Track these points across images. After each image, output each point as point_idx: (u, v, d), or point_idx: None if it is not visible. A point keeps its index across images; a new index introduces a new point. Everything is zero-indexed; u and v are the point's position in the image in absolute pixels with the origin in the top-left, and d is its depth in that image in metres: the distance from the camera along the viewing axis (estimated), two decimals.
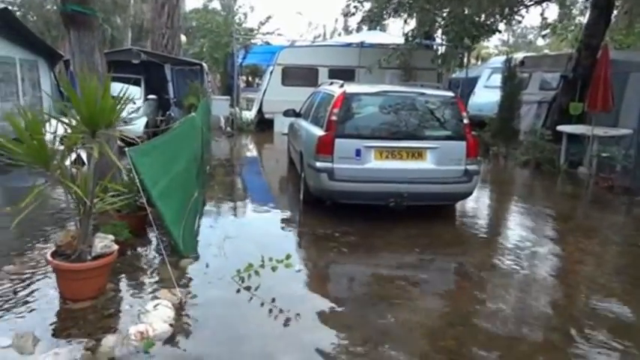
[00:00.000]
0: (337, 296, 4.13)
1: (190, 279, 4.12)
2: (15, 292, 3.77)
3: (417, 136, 5.88)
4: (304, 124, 7.09)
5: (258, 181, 9.18)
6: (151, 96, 11.97)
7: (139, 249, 4.73)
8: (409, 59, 14.37)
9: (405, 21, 15.71)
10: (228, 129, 13.94)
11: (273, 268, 4.00)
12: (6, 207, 6.25)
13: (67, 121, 3.75)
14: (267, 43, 17.95)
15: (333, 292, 4.32)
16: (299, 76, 14.26)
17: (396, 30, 34.29)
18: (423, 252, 5.10)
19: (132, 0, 29.37)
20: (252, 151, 12.52)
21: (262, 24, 18.95)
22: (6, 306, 3.55)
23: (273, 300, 3.73)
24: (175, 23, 14.93)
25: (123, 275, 4.13)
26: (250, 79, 26.89)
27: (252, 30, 18.66)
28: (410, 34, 13.75)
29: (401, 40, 14.43)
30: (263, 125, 14.56)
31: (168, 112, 12.49)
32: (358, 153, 5.68)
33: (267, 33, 18.44)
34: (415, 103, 6.06)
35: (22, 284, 3.91)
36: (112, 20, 26.93)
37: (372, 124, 5.98)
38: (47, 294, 3.75)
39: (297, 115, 7.96)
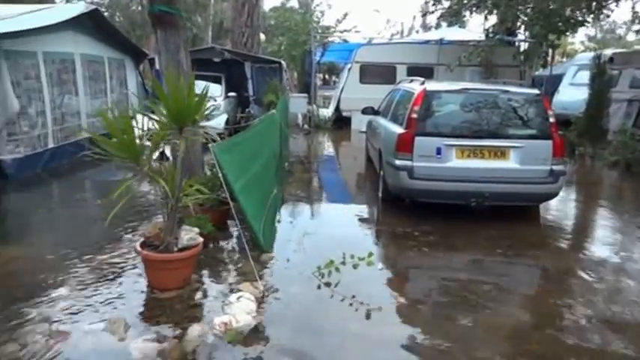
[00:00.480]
0: (418, 295, 4.07)
1: (271, 273, 4.16)
2: (107, 280, 3.99)
3: (500, 135, 5.67)
4: (383, 122, 7.00)
5: (336, 179, 9.18)
6: (231, 93, 12.34)
7: (221, 242, 4.85)
8: (490, 56, 13.80)
9: (486, 17, 15.09)
10: (306, 126, 14.09)
11: (355, 266, 3.96)
12: (97, 199, 6.83)
13: (156, 117, 3.90)
14: (345, 41, 17.94)
15: (414, 290, 4.24)
16: (377, 73, 14.15)
17: (476, 26, 33.07)
18: (506, 253, 4.89)
19: None
20: (329, 149, 12.54)
21: (339, 22, 18.96)
22: (99, 292, 3.77)
23: (354, 297, 3.68)
24: (255, 22, 15.27)
25: (206, 267, 4.24)
26: (327, 76, 27.04)
27: (329, 28, 18.72)
28: (491, 30, 13.20)
29: (481, 37, 13.89)
30: (340, 123, 14.58)
31: (247, 110, 12.83)
32: (439, 151, 5.52)
33: (345, 30, 18.43)
34: (498, 100, 5.87)
35: (113, 273, 4.13)
36: (194, 19, 28.15)
37: (453, 122, 5.82)
38: (136, 283, 3.94)
39: (376, 112, 7.89)
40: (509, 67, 14.12)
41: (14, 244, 5.02)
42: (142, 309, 3.56)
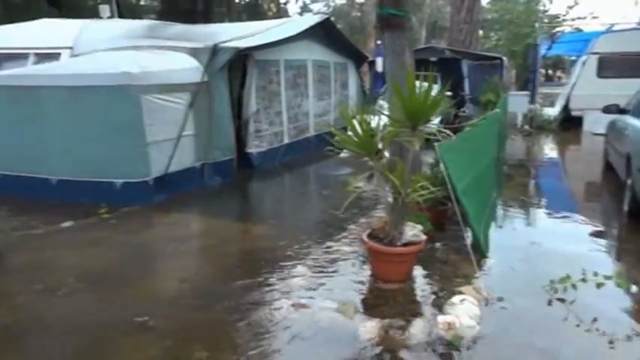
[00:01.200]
0: None
1: (495, 280, 3.98)
2: (336, 264, 4.35)
3: None
4: (634, 122, 6.01)
5: (561, 186, 8.28)
6: (446, 93, 12.17)
7: (439, 242, 4.83)
8: None
9: None
10: (526, 127, 13.05)
11: (599, 285, 3.50)
12: (322, 190, 7.54)
13: (386, 116, 4.08)
14: (578, 30, 16.05)
15: None
16: (620, 66, 12.21)
17: None
18: None
19: None
20: (553, 152, 11.39)
21: (570, 8, 17.04)
22: (330, 274, 4.14)
23: (595, 320, 3.28)
24: (474, 17, 14.77)
25: (426, 265, 4.28)
26: (550, 72, 24.57)
27: (557, 17, 16.99)
28: None
29: None
30: (568, 124, 13.08)
31: (462, 109, 12.50)
32: None
33: (578, 18, 16.47)
34: None
35: (341, 258, 4.49)
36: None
37: None
38: (361, 271, 4.20)
39: (622, 111, 6.84)
40: None
41: (259, 223, 5.91)
42: (366, 296, 3.79)
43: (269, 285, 3.91)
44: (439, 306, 3.53)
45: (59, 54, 7.89)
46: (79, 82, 6.08)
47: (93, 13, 11.45)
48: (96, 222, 5.55)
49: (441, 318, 3.24)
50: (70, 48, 7.94)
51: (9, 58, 8.14)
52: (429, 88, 3.68)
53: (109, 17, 9.77)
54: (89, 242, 5.03)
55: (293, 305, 3.54)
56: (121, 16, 11.31)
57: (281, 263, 4.35)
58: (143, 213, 5.86)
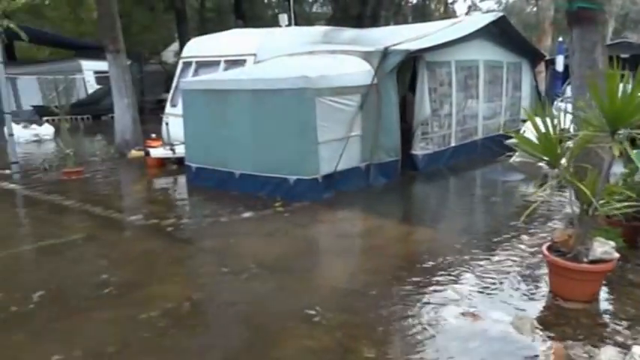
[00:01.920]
0: None
1: None
2: (508, 275, 4.10)
3: None
4: None
5: None
6: None
7: (632, 262, 4.26)
8: None
9: None
10: None
11: None
12: (490, 196, 7.17)
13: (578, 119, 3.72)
14: None
15: None
16: None
17: None
18: None
19: None
20: None
21: None
22: (502, 286, 3.91)
23: None
24: None
25: (614, 286, 3.82)
26: None
27: None
28: None
29: None
30: None
31: None
32: None
33: None
34: None
35: (513, 269, 4.21)
36: None
37: None
38: (537, 285, 3.90)
39: None
40: None
41: (423, 226, 5.86)
42: (544, 313, 3.51)
43: (436, 290, 3.84)
44: (628, 333, 3.12)
45: (245, 60, 8.78)
46: (261, 86, 6.69)
47: (273, 22, 12.49)
48: (271, 214, 6.05)
49: (637, 349, 2.85)
50: (254, 55, 8.78)
51: (204, 65, 9.35)
52: (637, 89, 3.23)
53: (287, 25, 10.56)
54: (266, 232, 5.50)
55: (463, 314, 3.43)
56: (297, 24, 12.13)
57: (448, 268, 4.24)
58: (313, 208, 6.22)
